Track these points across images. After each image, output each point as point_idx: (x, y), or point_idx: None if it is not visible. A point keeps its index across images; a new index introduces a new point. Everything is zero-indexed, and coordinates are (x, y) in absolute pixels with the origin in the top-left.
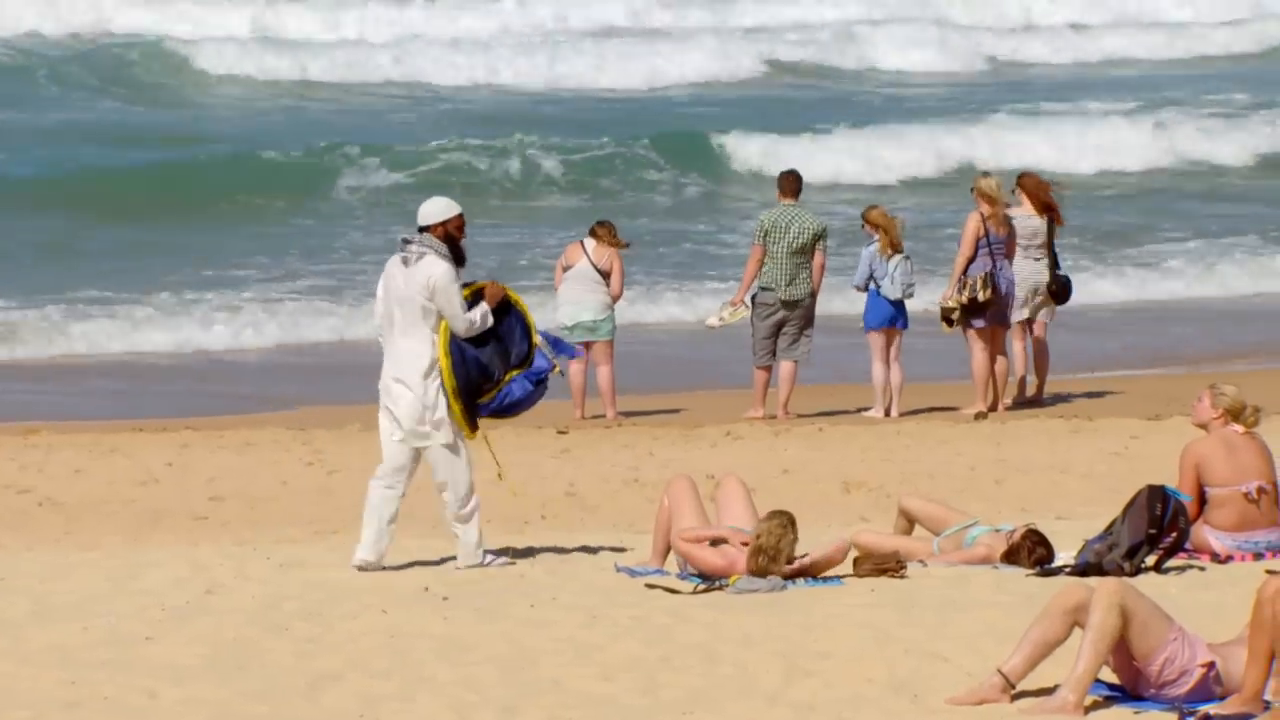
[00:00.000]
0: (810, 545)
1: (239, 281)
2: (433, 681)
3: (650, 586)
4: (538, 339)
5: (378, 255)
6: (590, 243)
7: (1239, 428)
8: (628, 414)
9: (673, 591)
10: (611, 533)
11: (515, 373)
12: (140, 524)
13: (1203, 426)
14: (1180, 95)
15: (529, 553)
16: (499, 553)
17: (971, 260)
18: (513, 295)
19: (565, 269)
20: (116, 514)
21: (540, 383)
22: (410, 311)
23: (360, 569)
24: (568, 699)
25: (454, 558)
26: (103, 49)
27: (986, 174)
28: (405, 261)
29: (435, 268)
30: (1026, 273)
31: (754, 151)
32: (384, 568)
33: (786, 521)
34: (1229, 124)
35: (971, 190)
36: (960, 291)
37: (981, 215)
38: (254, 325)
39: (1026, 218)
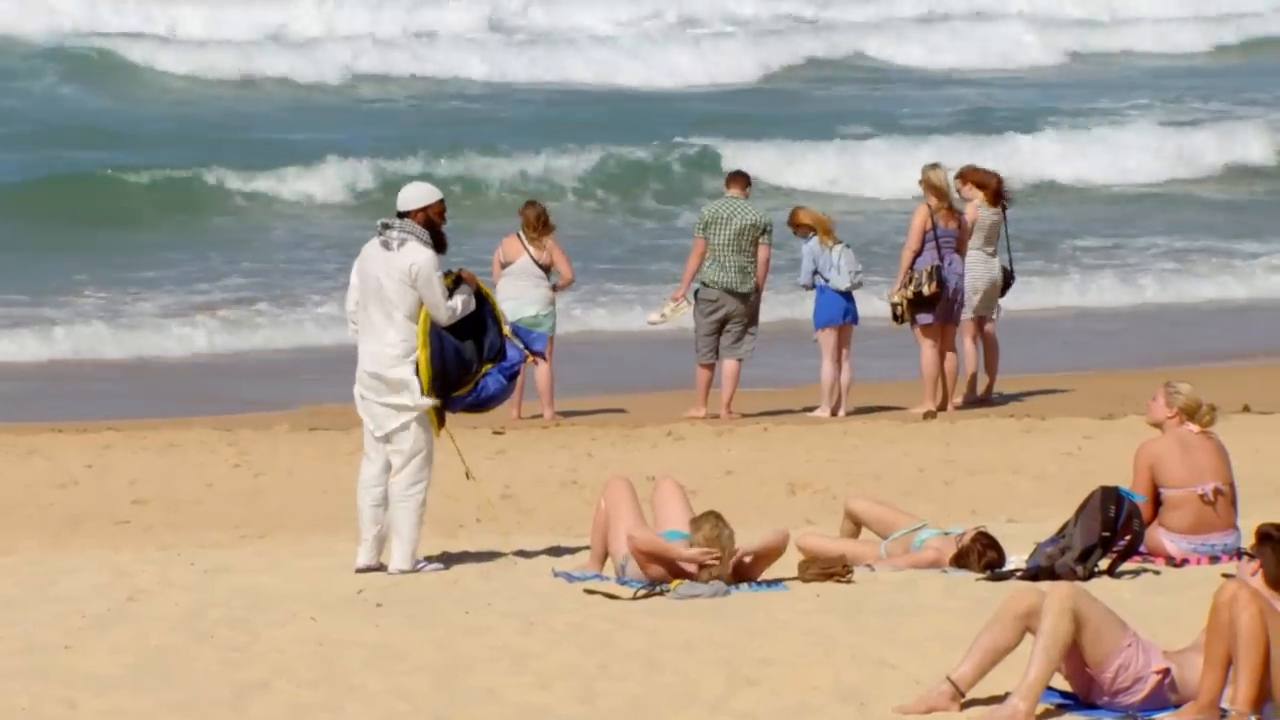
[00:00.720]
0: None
1: (155, 283)
2: (363, 691)
3: (589, 592)
4: (508, 330)
5: (289, 255)
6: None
7: (1194, 427)
8: (566, 414)
9: (612, 597)
10: (549, 536)
11: (489, 366)
12: (59, 528)
13: (1158, 426)
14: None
15: (463, 557)
16: (432, 558)
17: (918, 254)
18: (483, 286)
19: (504, 265)
20: (34, 518)
21: (513, 376)
22: (388, 297)
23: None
24: (503, 709)
25: (386, 565)
26: (55, 49)
27: (935, 165)
28: (386, 245)
29: (419, 254)
30: (981, 268)
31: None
32: (383, 566)
33: (715, 520)
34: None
35: (919, 182)
36: (906, 286)
37: (929, 207)
38: (170, 330)
39: (985, 210)
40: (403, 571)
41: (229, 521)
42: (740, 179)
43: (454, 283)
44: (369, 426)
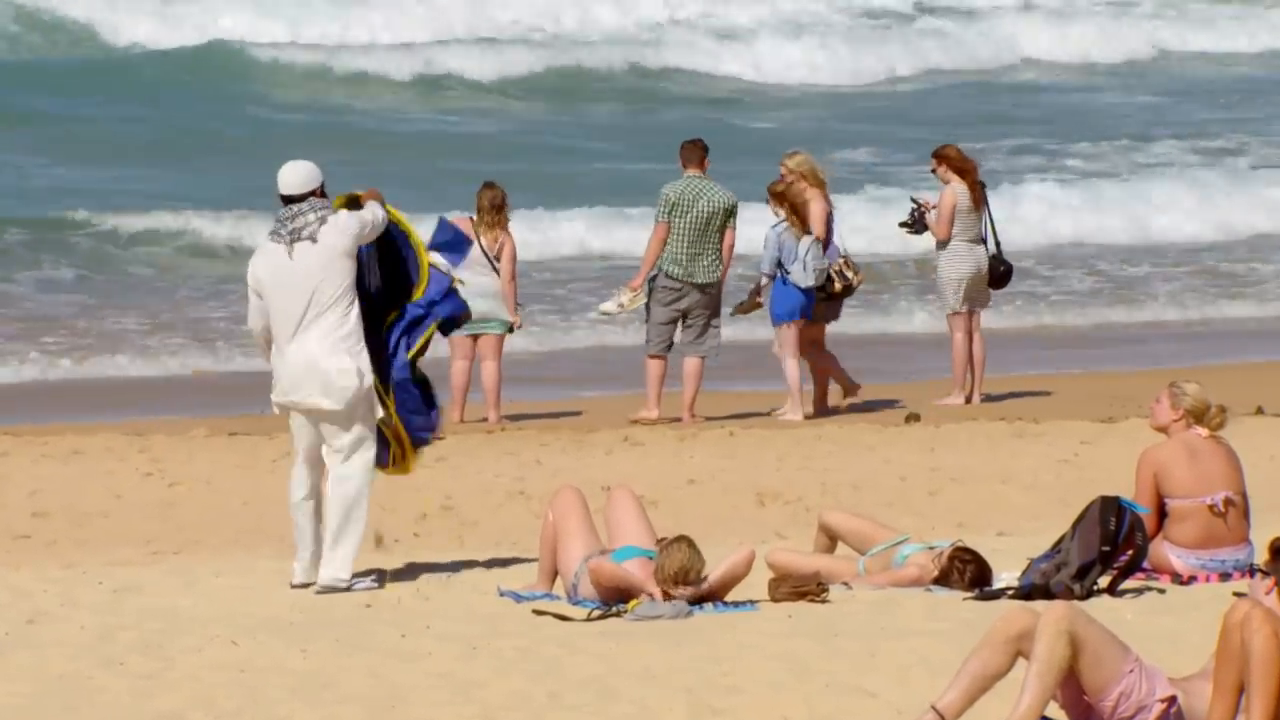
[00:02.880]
0: (712, 565)
1: None
2: None
3: (538, 613)
4: (429, 258)
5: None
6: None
7: (1203, 431)
8: (513, 417)
9: (563, 618)
10: (493, 551)
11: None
12: None
13: (1163, 430)
14: None
15: (399, 575)
16: (365, 574)
17: (827, 245)
18: (393, 212)
19: None
20: None
21: (447, 296)
22: (321, 291)
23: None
24: None
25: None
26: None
27: (795, 151)
28: (296, 238)
29: (343, 219)
30: (966, 257)
31: None
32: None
33: (688, 552)
34: None
35: (790, 173)
36: (842, 276)
37: (822, 195)
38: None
39: (964, 196)
40: (337, 580)
41: (140, 536)
42: (697, 152)
43: (346, 203)
44: (297, 430)
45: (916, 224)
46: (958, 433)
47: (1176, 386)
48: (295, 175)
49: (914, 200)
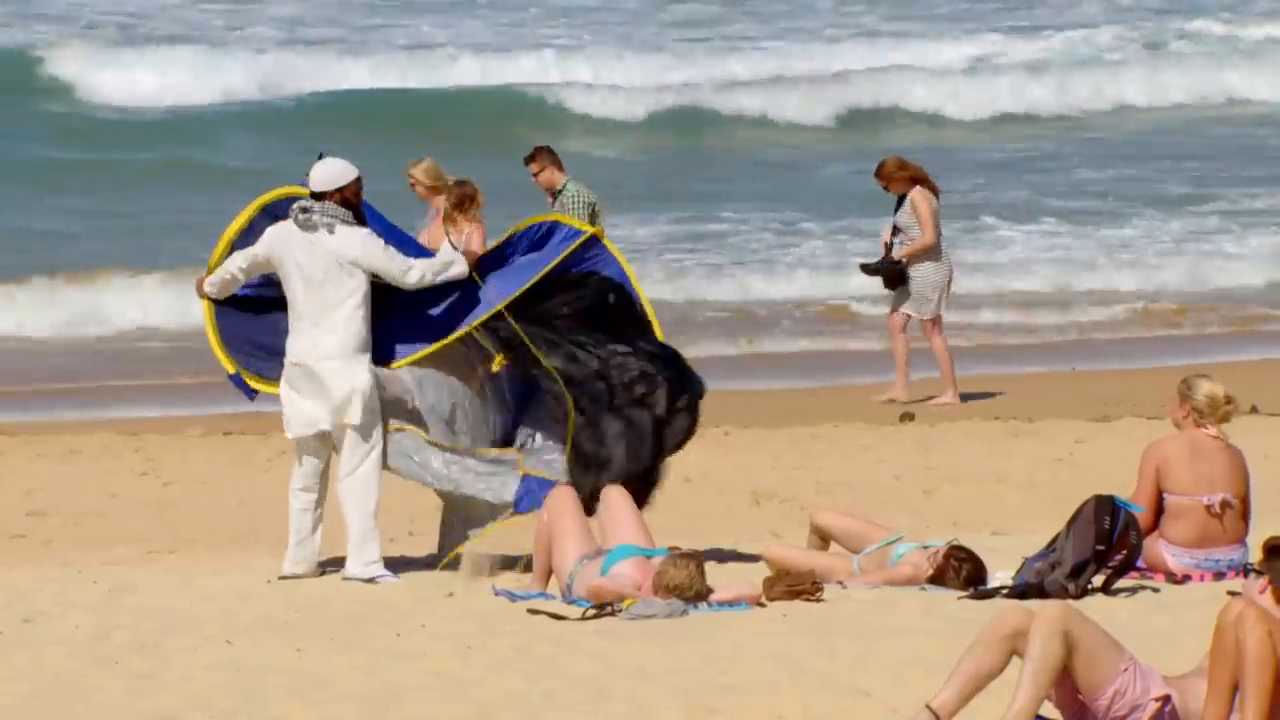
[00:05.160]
0: (715, 575)
1: None
2: None
3: (533, 612)
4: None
5: None
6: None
7: (1211, 430)
8: None
9: (558, 618)
10: (488, 550)
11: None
12: None
13: (1178, 425)
14: None
15: (394, 573)
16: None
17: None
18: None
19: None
20: None
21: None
22: (326, 286)
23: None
24: None
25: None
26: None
27: (420, 159)
28: (309, 228)
29: (353, 236)
30: (947, 263)
31: None
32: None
33: (695, 572)
34: None
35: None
36: None
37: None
38: None
39: (935, 200)
40: (355, 579)
41: (135, 536)
42: (557, 156)
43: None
44: (296, 428)
45: (888, 266)
46: (952, 432)
47: (1185, 383)
48: (318, 171)
49: (886, 248)
